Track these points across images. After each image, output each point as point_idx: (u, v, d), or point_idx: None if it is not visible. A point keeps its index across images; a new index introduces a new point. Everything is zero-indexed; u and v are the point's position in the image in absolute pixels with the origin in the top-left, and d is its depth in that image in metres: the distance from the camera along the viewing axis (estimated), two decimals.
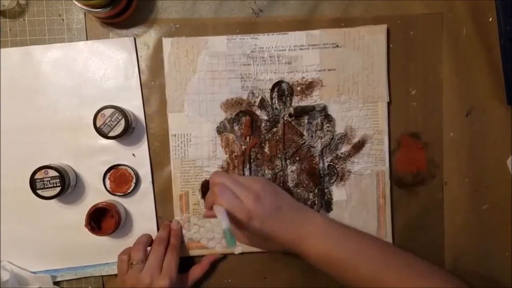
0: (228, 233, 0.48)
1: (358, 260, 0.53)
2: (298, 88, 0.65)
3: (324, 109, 0.65)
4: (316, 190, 0.66)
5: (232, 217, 0.51)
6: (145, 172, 0.65)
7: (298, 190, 0.66)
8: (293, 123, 0.66)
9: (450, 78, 0.67)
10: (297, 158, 0.66)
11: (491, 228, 0.69)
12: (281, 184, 0.66)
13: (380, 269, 0.53)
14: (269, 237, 0.54)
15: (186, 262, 0.66)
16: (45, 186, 0.60)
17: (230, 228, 0.48)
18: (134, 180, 0.65)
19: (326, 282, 0.67)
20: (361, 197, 0.67)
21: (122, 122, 0.61)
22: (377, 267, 0.53)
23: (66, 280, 0.66)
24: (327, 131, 0.66)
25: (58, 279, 0.65)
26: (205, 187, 0.65)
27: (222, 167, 0.65)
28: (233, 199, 0.52)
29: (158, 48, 0.65)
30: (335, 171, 0.66)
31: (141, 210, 0.66)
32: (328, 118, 0.66)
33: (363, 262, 0.53)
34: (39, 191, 0.61)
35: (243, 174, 0.66)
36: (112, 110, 0.61)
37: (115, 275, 0.65)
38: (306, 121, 0.66)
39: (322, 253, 0.54)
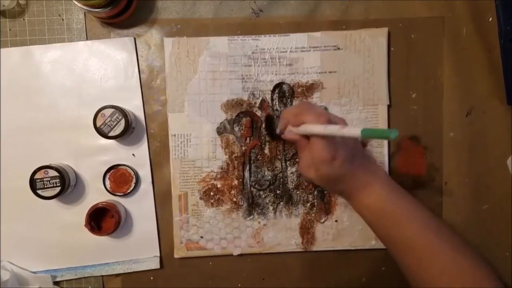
0: (373, 130, 0.47)
1: (410, 219, 0.55)
2: (299, 90, 0.65)
3: None
4: (315, 192, 0.66)
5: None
6: (145, 172, 0.65)
7: (298, 192, 0.66)
8: None
9: (450, 79, 0.67)
10: (297, 159, 0.66)
11: (491, 228, 0.69)
12: (280, 186, 0.66)
13: (429, 237, 0.54)
14: (338, 178, 0.54)
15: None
16: (45, 186, 0.60)
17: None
18: (134, 180, 0.65)
19: (324, 283, 0.68)
20: None
21: (122, 122, 0.61)
22: (426, 234, 0.54)
23: (66, 280, 0.66)
24: None
25: (58, 279, 0.65)
26: (269, 121, 0.65)
27: (221, 168, 0.65)
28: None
29: (158, 48, 0.65)
30: None
31: (141, 210, 0.66)
32: None
33: (415, 222, 0.54)
34: (39, 191, 0.61)
35: (243, 176, 0.66)
36: (112, 110, 0.61)
37: (115, 275, 0.66)
38: None
39: (378, 204, 0.55)
